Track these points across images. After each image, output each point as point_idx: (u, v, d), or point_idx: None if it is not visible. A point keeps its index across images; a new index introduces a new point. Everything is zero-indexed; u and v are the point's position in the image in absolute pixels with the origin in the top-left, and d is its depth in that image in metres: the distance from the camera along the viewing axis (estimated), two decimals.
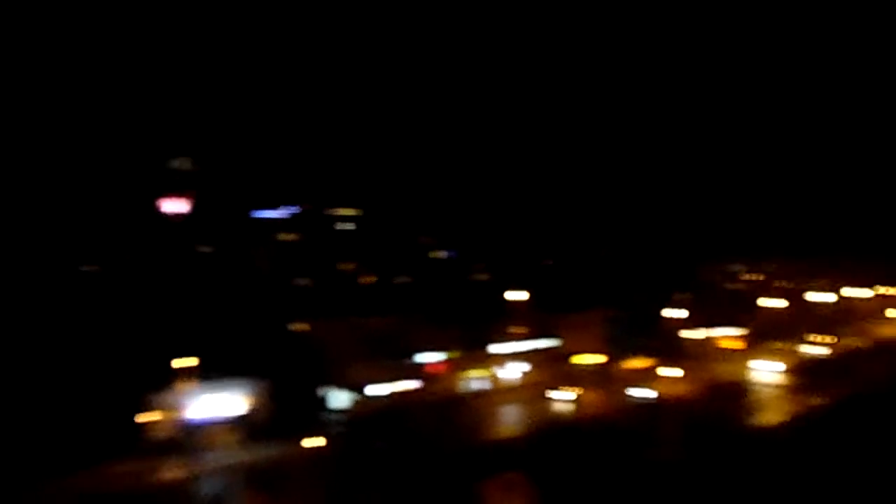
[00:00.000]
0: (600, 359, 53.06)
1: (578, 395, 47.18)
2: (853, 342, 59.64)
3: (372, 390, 43.02)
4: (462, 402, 44.70)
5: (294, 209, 49.44)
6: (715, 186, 57.18)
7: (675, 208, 58.05)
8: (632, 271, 56.83)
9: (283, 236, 49.16)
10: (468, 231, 54.32)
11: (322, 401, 40.35)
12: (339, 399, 41.01)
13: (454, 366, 47.42)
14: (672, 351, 55.17)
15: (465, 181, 53.32)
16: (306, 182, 51.47)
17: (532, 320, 49.78)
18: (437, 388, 45.59)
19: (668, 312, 57.94)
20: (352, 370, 41.23)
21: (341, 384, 41.00)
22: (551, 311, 50.96)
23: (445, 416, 41.10)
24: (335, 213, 50.84)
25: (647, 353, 54.65)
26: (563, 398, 46.99)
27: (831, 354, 57.63)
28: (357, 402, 41.57)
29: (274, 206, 48.47)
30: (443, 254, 56.51)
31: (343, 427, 38.29)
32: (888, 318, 64.88)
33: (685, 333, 58.43)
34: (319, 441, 35.51)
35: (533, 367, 49.88)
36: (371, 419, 39.15)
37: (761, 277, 64.77)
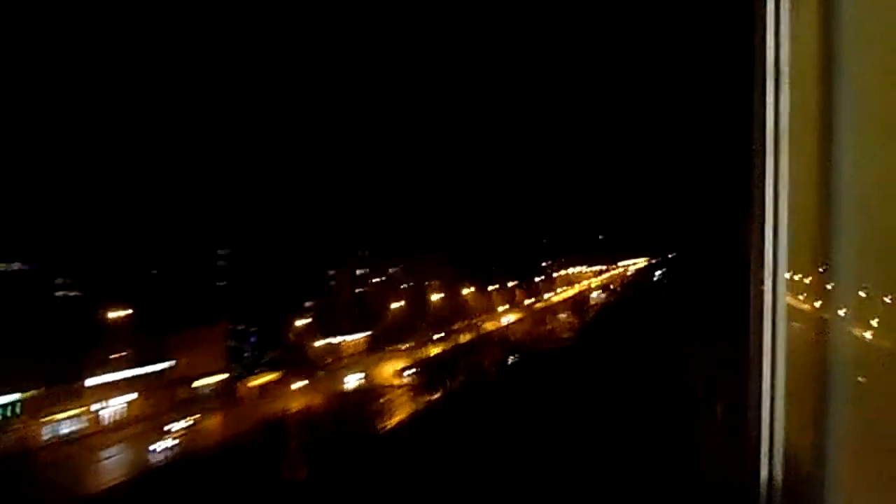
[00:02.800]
0: (221, 379, 51.34)
1: (195, 422, 44.99)
2: (465, 337, 68.74)
3: None
4: (48, 452, 39.28)
5: None
6: (336, 190, 58.09)
7: (301, 213, 56.22)
8: (257, 279, 55.32)
9: None
10: (50, 236, 47.02)
11: None
12: None
13: (34, 408, 42.46)
14: (301, 362, 55.42)
15: (38, 177, 45.69)
16: None
17: (138, 342, 46.10)
18: (9, 438, 39.33)
19: (297, 322, 58.44)
20: None
21: None
22: (162, 329, 47.55)
23: (20, 471, 34.50)
24: None
25: (275, 367, 53.95)
26: (179, 428, 44.21)
27: (447, 349, 63.09)
28: None
29: None
30: (16, 265, 48.30)
31: None
32: (498, 313, 75.64)
33: (315, 342, 59.46)
34: None
35: (141, 397, 46.18)
36: None
37: (385, 280, 70.24)
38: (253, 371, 53.92)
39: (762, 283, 2.33)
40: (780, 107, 2.21)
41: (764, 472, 2.28)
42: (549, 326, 71.31)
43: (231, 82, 55.64)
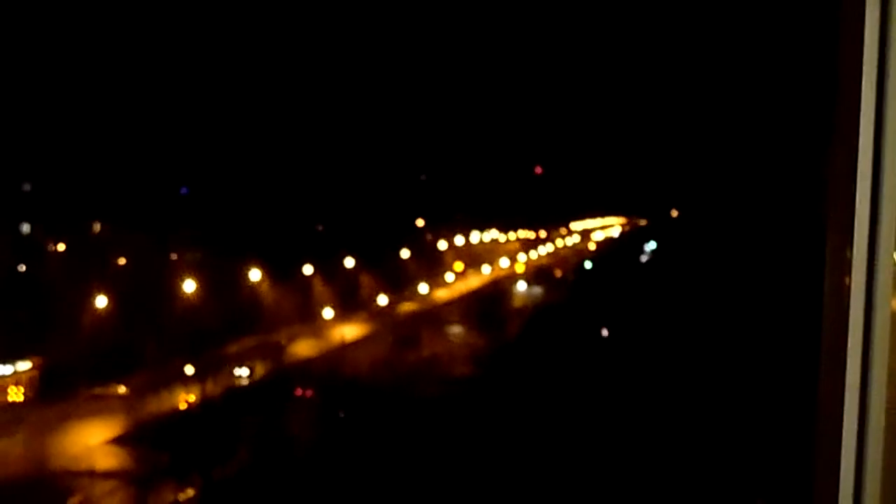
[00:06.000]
0: None
1: None
2: (261, 370, 45.00)
3: None
4: None
5: None
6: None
7: None
8: None
9: None
10: None
11: None
12: None
13: None
14: None
15: None
16: None
17: None
18: None
19: None
20: None
21: None
22: None
23: None
24: None
25: None
26: None
27: (212, 397, 39.52)
28: None
29: None
30: None
31: None
32: (323, 323, 56.75)
33: None
34: None
35: None
36: None
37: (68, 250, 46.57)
38: None
39: (846, 276, 2.09)
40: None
41: None
42: (424, 352, 47.91)
43: None
